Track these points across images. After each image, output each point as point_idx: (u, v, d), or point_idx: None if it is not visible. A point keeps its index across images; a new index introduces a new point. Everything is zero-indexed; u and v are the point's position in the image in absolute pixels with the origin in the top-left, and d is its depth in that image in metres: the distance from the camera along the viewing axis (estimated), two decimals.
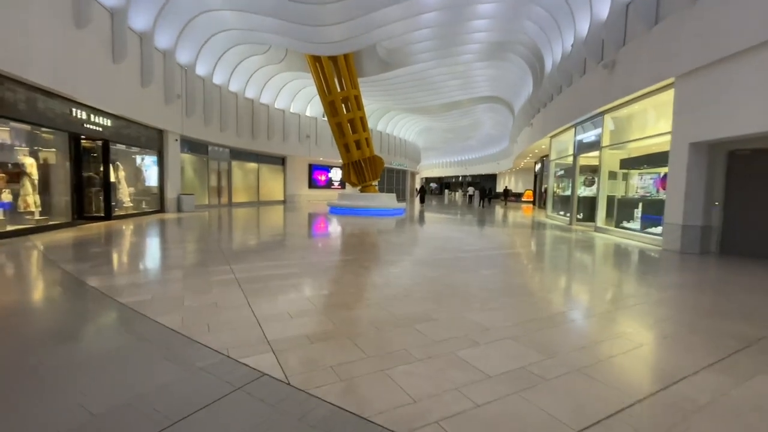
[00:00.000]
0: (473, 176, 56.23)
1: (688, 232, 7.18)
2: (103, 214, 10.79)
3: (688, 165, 7.09)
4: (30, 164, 8.28)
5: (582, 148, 12.32)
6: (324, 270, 5.10)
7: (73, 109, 9.16)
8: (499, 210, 22.50)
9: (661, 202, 8.73)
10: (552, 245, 8.37)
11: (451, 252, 6.79)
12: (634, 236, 9.18)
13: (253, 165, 21.70)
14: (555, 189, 16.20)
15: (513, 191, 42.28)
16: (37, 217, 8.43)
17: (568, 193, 14.76)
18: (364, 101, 19.84)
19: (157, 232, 9.17)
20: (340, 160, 17.93)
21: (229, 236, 8.59)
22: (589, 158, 12.55)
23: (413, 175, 42.63)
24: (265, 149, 21.24)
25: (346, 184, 22.10)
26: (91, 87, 9.42)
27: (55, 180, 9.11)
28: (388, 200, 17.15)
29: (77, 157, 9.73)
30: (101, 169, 10.80)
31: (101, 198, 10.84)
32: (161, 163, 13.89)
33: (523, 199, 36.59)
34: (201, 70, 15.89)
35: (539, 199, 24.49)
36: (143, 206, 13.22)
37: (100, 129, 10.25)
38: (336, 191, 25.81)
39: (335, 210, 16.71)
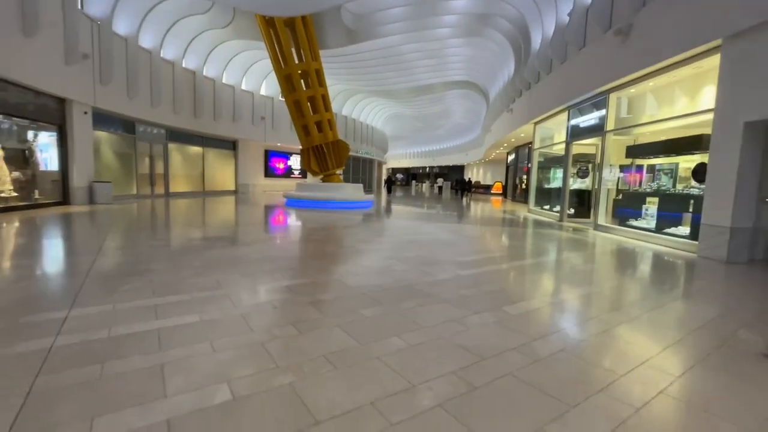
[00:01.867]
0: (440, 167, 55.16)
1: (738, 237, 5.65)
2: None
3: (741, 151, 5.52)
4: None
5: (577, 134, 10.77)
6: (243, 316, 2.93)
7: None
8: (471, 203, 20.98)
9: (683, 198, 7.26)
10: (563, 252, 6.64)
11: (447, 267, 4.83)
12: (648, 238, 7.67)
13: (196, 149, 18.66)
14: (538, 181, 14.74)
15: (481, 183, 41.45)
16: None
17: (553, 185, 13.32)
18: (327, 81, 17.40)
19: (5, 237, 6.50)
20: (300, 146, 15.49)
21: (130, 240, 6.13)
22: (584, 146, 11.04)
23: (380, 165, 40.55)
24: (210, 131, 18.27)
25: (308, 173, 19.64)
26: None
27: None
28: (354, 191, 15.00)
29: None
30: None
31: None
32: (63, 142, 10.85)
33: (492, 191, 35.64)
34: (122, 28, 12.80)
35: (515, 192, 23.27)
36: (36, 197, 10.20)
37: None
38: (297, 181, 23.22)
39: (293, 203, 14.34)
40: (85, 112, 11.42)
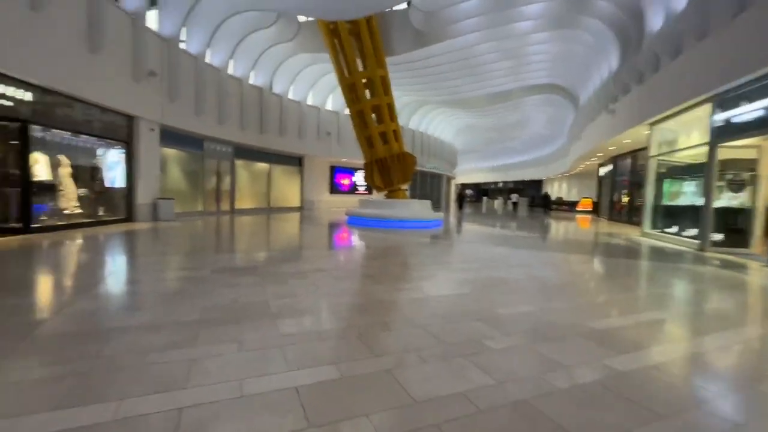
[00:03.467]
0: (515, 182, 51.17)
1: None
2: (19, 225, 7.70)
3: None
4: None
5: (728, 132, 7.89)
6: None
7: None
8: (558, 223, 17.96)
9: None
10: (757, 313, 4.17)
11: (578, 347, 2.85)
12: None
13: (263, 166, 18.55)
14: (656, 196, 11.63)
15: (564, 199, 37.03)
16: None
17: (681, 202, 10.25)
18: (394, 93, 16.21)
19: (54, 262, 5.84)
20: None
21: (191, 259, 5.09)
22: (737, 149, 8.09)
23: (449, 180, 38.41)
24: (275, 147, 18.03)
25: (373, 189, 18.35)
26: None
27: None
28: (422, 209, 13.29)
29: None
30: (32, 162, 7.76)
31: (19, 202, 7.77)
32: (129, 159, 10.82)
33: (577, 209, 31.37)
34: (191, 46, 12.87)
35: (612, 210, 19.62)
36: (100, 214, 10.15)
37: (12, 104, 7.16)
38: (362, 198, 22.22)
39: (355, 221, 13.07)
40: (152, 129, 11.39)
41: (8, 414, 1.73)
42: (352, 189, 24.67)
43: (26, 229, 7.70)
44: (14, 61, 6.96)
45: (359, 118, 13.69)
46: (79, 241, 7.21)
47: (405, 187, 14.84)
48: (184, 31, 12.29)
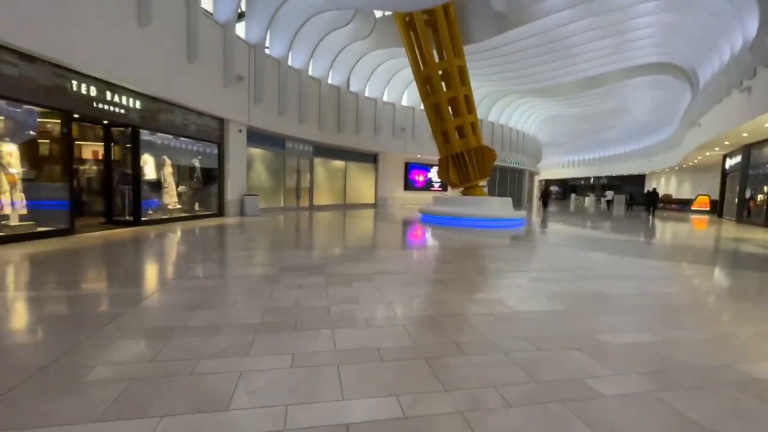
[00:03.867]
0: (609, 177, 45.76)
1: None
2: (131, 218, 8.74)
3: None
4: (7, 153, 6.26)
5: None
6: None
7: (87, 85, 7.04)
8: (666, 225, 15.37)
9: None
10: None
11: None
12: None
13: (339, 163, 19.00)
14: None
15: (673, 197, 31.94)
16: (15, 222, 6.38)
17: None
18: (472, 84, 15.21)
19: (159, 251, 6.41)
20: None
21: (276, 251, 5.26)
22: None
23: (532, 176, 35.67)
24: (352, 144, 18.29)
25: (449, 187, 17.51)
26: (104, 54, 7.18)
27: (51, 173, 7.07)
28: (501, 207, 12.32)
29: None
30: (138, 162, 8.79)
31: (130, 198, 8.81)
32: (221, 159, 11.74)
33: (692, 208, 26.75)
34: (274, 50, 13.54)
35: (742, 210, 16.22)
36: (196, 209, 11.17)
37: (123, 111, 8.10)
38: (437, 194, 21.60)
39: (428, 218, 12.62)
40: (240, 130, 12.22)
41: (39, 424, 1.67)
42: (427, 185, 24.13)
43: (137, 222, 8.71)
44: (126, 74, 7.84)
45: (434, 111, 13.14)
46: (175, 234, 7.91)
47: (483, 183, 13.93)
48: (268, 36, 12.96)
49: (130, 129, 8.53)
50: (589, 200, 42.18)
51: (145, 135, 9.00)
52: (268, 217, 12.41)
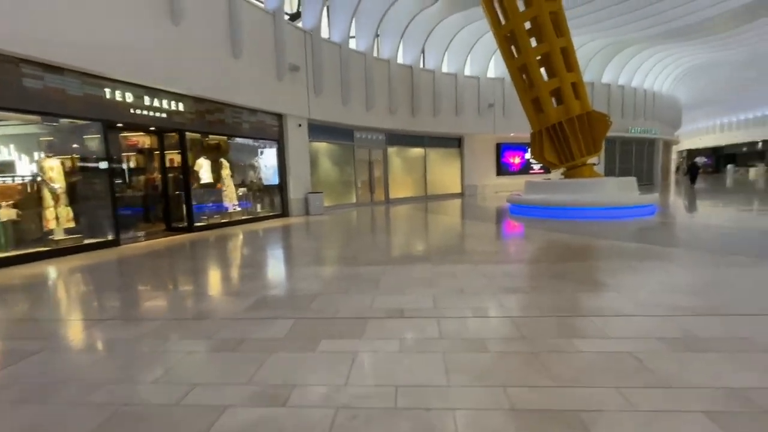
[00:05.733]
0: None
1: None
2: (185, 224, 8.57)
3: None
4: (49, 167, 6.26)
5: None
6: None
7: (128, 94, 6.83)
8: None
9: None
10: None
11: None
12: None
13: (417, 151, 17.28)
14: None
15: None
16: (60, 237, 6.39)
17: None
18: (576, 40, 11.75)
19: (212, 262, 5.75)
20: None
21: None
22: None
23: (667, 146, 28.47)
24: (429, 129, 16.40)
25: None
26: (133, 59, 6.87)
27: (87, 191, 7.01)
28: (620, 190, 9.25)
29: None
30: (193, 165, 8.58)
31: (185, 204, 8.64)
32: (281, 156, 11.16)
33: None
34: (335, 35, 12.49)
35: None
36: (258, 210, 10.80)
37: (164, 115, 7.81)
38: (533, 179, 18.30)
39: (519, 210, 10.22)
40: (300, 125, 11.48)
41: None
42: (525, 168, 20.82)
43: (190, 228, 8.49)
44: (164, 76, 7.48)
45: (522, 75, 10.52)
46: (225, 242, 7.34)
47: (594, 160, 10.75)
48: (326, 22, 11.95)
49: (176, 133, 8.28)
50: (756, 171, 32.33)
51: (193, 138, 8.73)
52: (334, 215, 11.50)
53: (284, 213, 11.30)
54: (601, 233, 6.42)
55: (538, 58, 10.02)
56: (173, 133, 8.35)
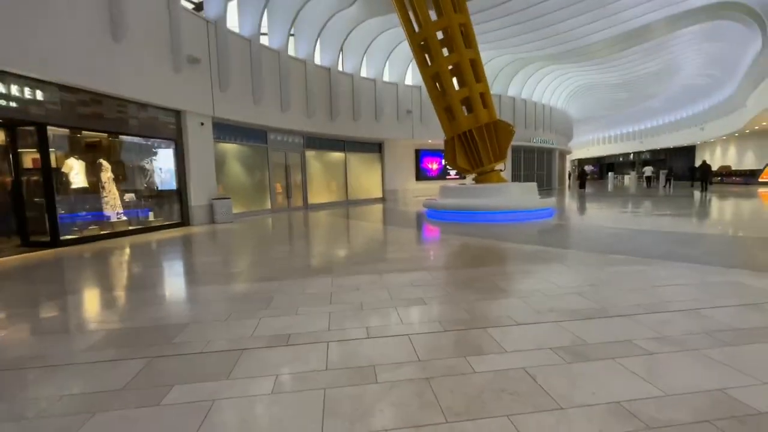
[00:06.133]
0: (652, 152, 41.20)
1: None
2: (48, 239, 7.04)
3: None
4: None
5: None
6: None
7: None
8: (733, 202, 12.28)
9: None
10: None
11: None
12: None
13: (337, 155, 16.90)
14: None
15: (732, 168, 27.64)
16: None
17: None
18: (484, 54, 12.45)
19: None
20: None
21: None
22: None
23: (563, 155, 32.08)
24: (349, 133, 16.13)
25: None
26: None
27: None
28: (523, 195, 9.89)
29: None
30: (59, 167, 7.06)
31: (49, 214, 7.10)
32: (180, 158, 9.92)
33: (760, 180, 22.75)
34: (243, 29, 11.58)
35: None
36: (151, 219, 9.42)
37: (15, 104, 6.32)
38: (447, 184, 19.11)
39: (435, 214, 10.38)
40: (202, 123, 10.35)
41: None
42: (442, 174, 21.66)
43: (54, 243, 7.00)
44: (7, 54, 6.04)
45: (435, 83, 10.78)
46: (94, 259, 6.10)
47: (500, 167, 11.43)
48: (231, 11, 11.00)
49: (34, 127, 6.78)
50: (629, 178, 37.96)
51: (59, 133, 7.26)
52: (245, 222, 10.55)
53: (184, 221, 10.05)
54: (506, 236, 6.68)
55: (450, 67, 10.36)
56: (30, 127, 6.82)
